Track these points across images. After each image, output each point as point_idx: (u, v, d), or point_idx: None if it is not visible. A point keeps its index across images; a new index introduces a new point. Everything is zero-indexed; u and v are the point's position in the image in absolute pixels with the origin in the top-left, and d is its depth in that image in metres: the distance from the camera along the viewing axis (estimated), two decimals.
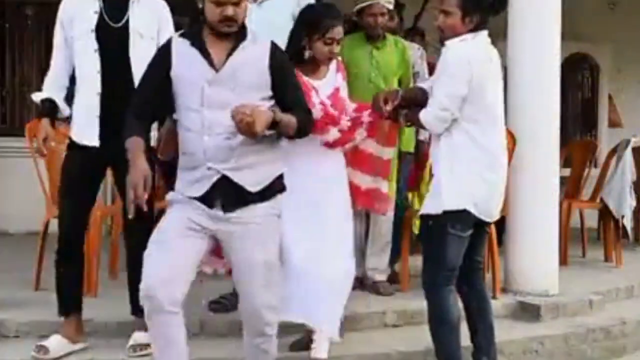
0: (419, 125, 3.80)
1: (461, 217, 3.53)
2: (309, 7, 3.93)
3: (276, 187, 3.12)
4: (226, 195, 3.00)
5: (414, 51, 5.35)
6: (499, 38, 5.31)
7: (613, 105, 9.08)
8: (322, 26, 3.66)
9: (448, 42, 3.57)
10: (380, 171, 3.94)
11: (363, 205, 4.05)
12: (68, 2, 3.84)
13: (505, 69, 5.11)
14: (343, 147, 3.81)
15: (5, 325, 4.06)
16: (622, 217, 6.29)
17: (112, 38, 3.71)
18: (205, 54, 2.98)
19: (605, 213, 6.53)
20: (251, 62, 3.01)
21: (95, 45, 3.70)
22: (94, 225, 4.51)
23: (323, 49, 3.69)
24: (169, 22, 3.88)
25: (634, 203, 6.38)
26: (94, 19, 3.71)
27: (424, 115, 3.59)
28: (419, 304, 3.73)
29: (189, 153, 3.04)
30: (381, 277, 4.93)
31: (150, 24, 3.78)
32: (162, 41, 3.42)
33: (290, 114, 3.05)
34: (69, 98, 3.87)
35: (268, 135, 3.01)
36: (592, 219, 6.93)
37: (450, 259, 3.55)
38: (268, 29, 3.75)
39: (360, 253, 4.99)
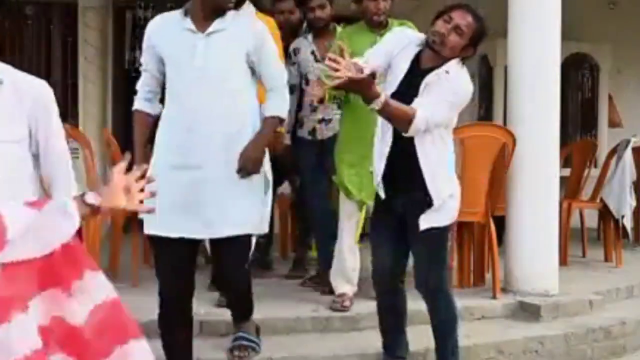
0: (396, 119, 3.35)
1: None
2: None
3: None
4: None
5: None
6: (499, 38, 5.34)
7: (613, 105, 9.06)
8: None
9: (451, 69, 3.42)
10: None
11: None
12: None
13: (505, 69, 5.13)
14: None
15: None
16: (622, 217, 6.29)
17: None
18: None
19: (605, 213, 6.52)
20: None
21: None
22: (94, 225, 4.50)
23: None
24: (52, 112, 2.68)
25: (634, 203, 6.38)
26: None
27: (419, 119, 3.32)
28: (419, 304, 3.73)
29: None
30: None
31: (16, 120, 2.59)
32: (43, 142, 2.56)
33: None
34: None
35: None
36: (592, 219, 6.93)
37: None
38: (214, 74, 3.34)
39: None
